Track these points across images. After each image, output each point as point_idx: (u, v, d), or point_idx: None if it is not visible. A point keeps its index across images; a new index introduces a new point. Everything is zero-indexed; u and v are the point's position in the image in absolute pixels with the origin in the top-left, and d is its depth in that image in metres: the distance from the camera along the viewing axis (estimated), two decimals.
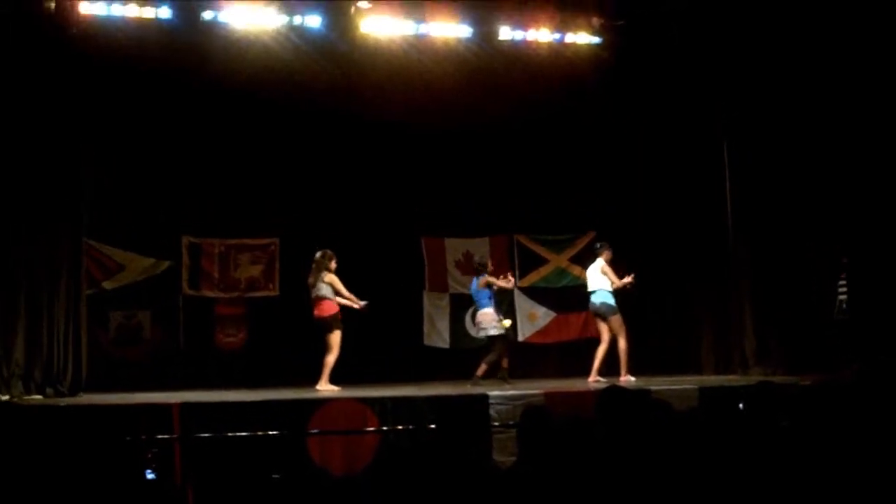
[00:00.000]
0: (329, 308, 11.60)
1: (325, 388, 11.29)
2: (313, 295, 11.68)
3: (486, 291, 12.20)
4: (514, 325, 13.77)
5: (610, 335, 11.99)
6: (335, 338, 11.55)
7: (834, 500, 4.15)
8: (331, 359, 11.51)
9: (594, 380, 11.90)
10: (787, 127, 11.89)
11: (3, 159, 10.97)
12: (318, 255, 11.81)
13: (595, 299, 12.08)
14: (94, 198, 12.11)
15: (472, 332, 12.84)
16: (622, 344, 11.93)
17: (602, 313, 12.05)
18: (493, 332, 12.09)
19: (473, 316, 12.84)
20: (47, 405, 9.94)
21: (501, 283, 12.38)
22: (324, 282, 11.61)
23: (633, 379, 11.76)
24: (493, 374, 12.03)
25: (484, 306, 12.17)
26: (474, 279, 12.45)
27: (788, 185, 11.92)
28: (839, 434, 4.78)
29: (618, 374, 11.86)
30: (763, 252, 12.25)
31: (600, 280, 12.04)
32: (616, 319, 11.97)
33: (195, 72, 12.81)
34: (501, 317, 12.24)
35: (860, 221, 11.35)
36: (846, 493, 4.20)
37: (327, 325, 11.58)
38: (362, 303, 11.68)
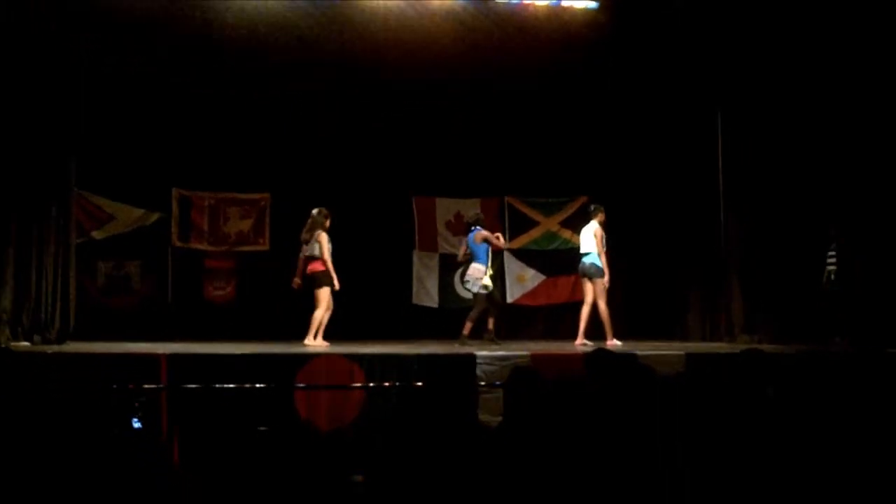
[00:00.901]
0: (320, 264, 11.58)
1: (312, 343, 11.28)
2: (307, 252, 11.65)
3: (484, 247, 12.13)
4: (499, 288, 13.78)
5: (592, 297, 12.01)
6: (324, 293, 11.51)
7: (817, 468, 4.18)
8: (319, 314, 11.47)
9: (581, 342, 11.94)
10: (781, 97, 11.88)
11: None
12: (314, 211, 11.76)
13: (586, 260, 12.06)
14: (86, 148, 12.06)
15: (459, 287, 12.73)
16: (602, 307, 11.93)
17: (590, 274, 12.02)
18: (475, 289, 12.03)
19: (463, 274, 12.80)
20: (34, 352, 9.95)
21: (494, 240, 12.32)
22: (317, 241, 11.58)
23: (618, 343, 11.79)
24: (478, 333, 12.01)
25: (480, 261, 12.07)
26: (471, 232, 12.34)
27: (780, 156, 11.93)
28: (824, 404, 4.80)
29: (604, 338, 11.89)
30: (753, 221, 12.27)
31: (592, 243, 12.03)
32: (601, 283, 11.95)
33: (191, 24, 12.76)
34: (487, 276, 12.15)
35: (849, 192, 11.38)
36: (829, 462, 4.23)
37: (317, 280, 11.54)
38: (337, 285, 11.61)
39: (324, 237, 11.57)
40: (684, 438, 4.32)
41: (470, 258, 12.16)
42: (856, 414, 4.65)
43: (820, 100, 11.52)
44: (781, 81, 11.86)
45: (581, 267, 12.17)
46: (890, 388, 5.15)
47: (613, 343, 11.75)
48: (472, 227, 12.25)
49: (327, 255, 11.52)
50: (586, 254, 12.10)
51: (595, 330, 12.15)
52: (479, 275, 11.99)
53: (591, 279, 12.05)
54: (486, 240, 12.12)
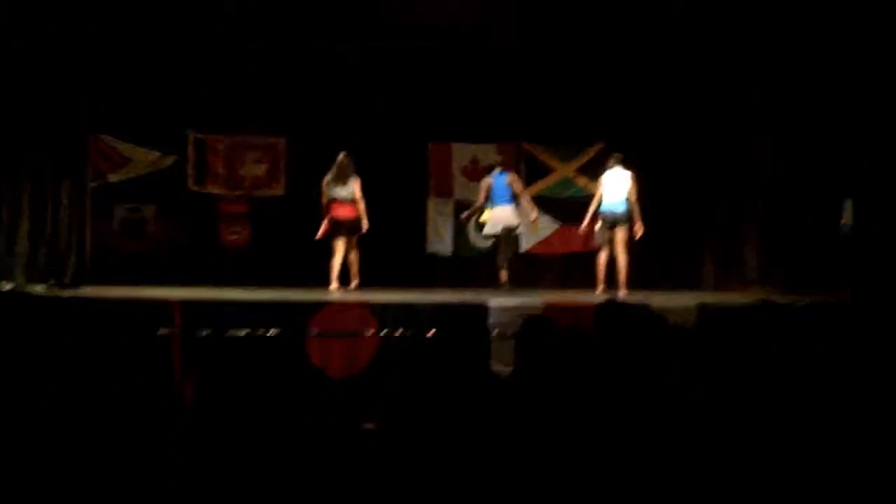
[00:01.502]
0: (354, 209, 11.67)
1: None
2: (340, 196, 11.63)
3: (510, 189, 12.09)
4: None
5: (617, 245, 11.85)
6: (355, 239, 11.68)
7: (823, 424, 4.18)
8: (354, 257, 11.73)
9: (603, 290, 11.86)
10: (801, 64, 11.73)
11: (7, 52, 10.88)
12: (342, 156, 11.80)
13: (620, 208, 11.84)
14: (101, 91, 12.04)
15: (473, 235, 12.65)
16: (627, 257, 11.84)
17: (622, 221, 11.83)
18: (498, 231, 12.02)
19: (478, 223, 12.77)
20: (49, 296, 10.02)
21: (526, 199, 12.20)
22: (354, 184, 11.67)
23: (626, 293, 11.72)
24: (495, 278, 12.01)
25: (508, 203, 12.06)
26: (505, 174, 12.29)
27: (807, 102, 11.79)
28: (832, 357, 4.80)
29: (617, 288, 11.84)
30: (772, 167, 12.19)
31: (626, 191, 11.84)
32: (630, 231, 11.83)
33: None
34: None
35: (867, 145, 11.28)
36: (834, 418, 4.23)
37: (357, 226, 11.68)
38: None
39: (358, 182, 11.60)
40: (695, 390, 4.32)
41: (485, 203, 12.13)
42: (863, 367, 4.65)
43: (850, 45, 11.37)
44: (812, 24, 11.68)
45: (615, 217, 11.92)
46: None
47: (626, 293, 11.68)
48: (501, 171, 12.21)
49: (361, 196, 11.65)
50: (621, 201, 11.87)
51: (610, 279, 12.13)
52: (507, 217, 11.98)
53: (622, 226, 11.87)
54: (513, 183, 12.04)
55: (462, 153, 14.73)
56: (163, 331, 8.29)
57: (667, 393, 4.27)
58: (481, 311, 9.15)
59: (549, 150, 14.87)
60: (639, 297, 11.11)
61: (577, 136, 14.80)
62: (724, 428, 4.14)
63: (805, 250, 11.70)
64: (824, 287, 11.05)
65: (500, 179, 12.23)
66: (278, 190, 14.23)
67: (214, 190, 14.09)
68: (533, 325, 4.91)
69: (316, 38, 13.66)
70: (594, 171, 14.02)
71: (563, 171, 14.87)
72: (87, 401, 4.53)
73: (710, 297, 11.35)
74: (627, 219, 11.80)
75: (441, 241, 14.44)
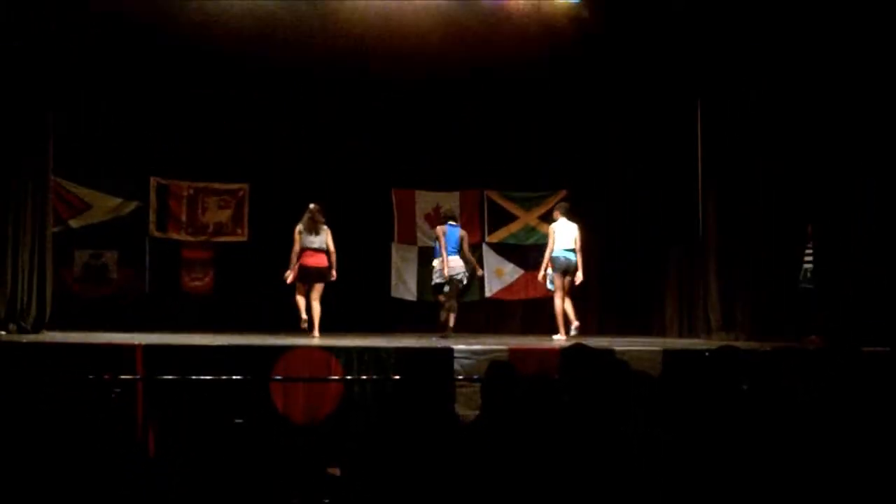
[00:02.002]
0: (325, 258, 11.77)
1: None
2: (314, 245, 11.71)
3: (459, 242, 12.31)
4: (478, 282, 13.96)
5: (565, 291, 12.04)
6: (321, 288, 11.79)
7: (791, 465, 4.20)
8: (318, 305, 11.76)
9: (564, 336, 11.95)
10: (761, 93, 11.91)
11: None
12: (313, 206, 11.84)
13: (573, 257, 12.05)
14: (63, 135, 11.98)
15: (438, 276, 12.71)
16: (569, 301, 12.03)
17: (573, 270, 12.04)
18: (460, 277, 12.22)
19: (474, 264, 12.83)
20: (9, 341, 9.90)
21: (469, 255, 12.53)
22: (326, 234, 11.78)
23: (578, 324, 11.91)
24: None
25: (455, 253, 12.24)
26: (458, 228, 12.50)
27: (758, 153, 11.95)
28: (798, 401, 4.83)
29: (581, 335, 11.88)
30: (730, 218, 12.31)
31: (574, 240, 12.06)
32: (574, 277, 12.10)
33: (170, 15, 12.62)
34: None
35: (827, 190, 11.40)
36: (802, 458, 4.26)
37: (326, 275, 11.78)
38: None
39: (330, 232, 11.79)
40: (660, 434, 4.33)
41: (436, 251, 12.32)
42: (829, 412, 4.68)
43: (799, 96, 11.55)
44: (762, 77, 11.89)
45: (569, 264, 12.05)
46: (863, 385, 5.18)
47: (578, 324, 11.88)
48: (454, 224, 12.35)
49: (332, 244, 11.79)
50: (572, 250, 12.05)
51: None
52: (461, 265, 12.18)
53: (572, 275, 12.05)
54: (463, 239, 12.40)
55: (425, 200, 14.79)
56: (125, 376, 8.21)
57: (632, 438, 4.28)
58: (446, 356, 9.20)
59: (512, 197, 14.96)
60: (603, 343, 11.15)
61: (540, 184, 14.91)
62: (689, 471, 4.15)
63: (766, 297, 11.77)
64: (786, 333, 11.14)
65: (453, 231, 12.38)
66: (241, 236, 14.19)
67: (177, 236, 14.03)
68: (498, 371, 4.91)
69: (279, 86, 13.72)
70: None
71: (526, 218, 14.95)
72: (48, 447, 4.48)
73: (674, 344, 11.40)
74: (576, 265, 12.05)
75: (405, 286, 14.45)
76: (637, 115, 14.00)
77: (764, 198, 11.97)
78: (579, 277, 12.05)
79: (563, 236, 12.09)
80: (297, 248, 11.72)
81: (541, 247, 14.16)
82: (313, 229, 11.74)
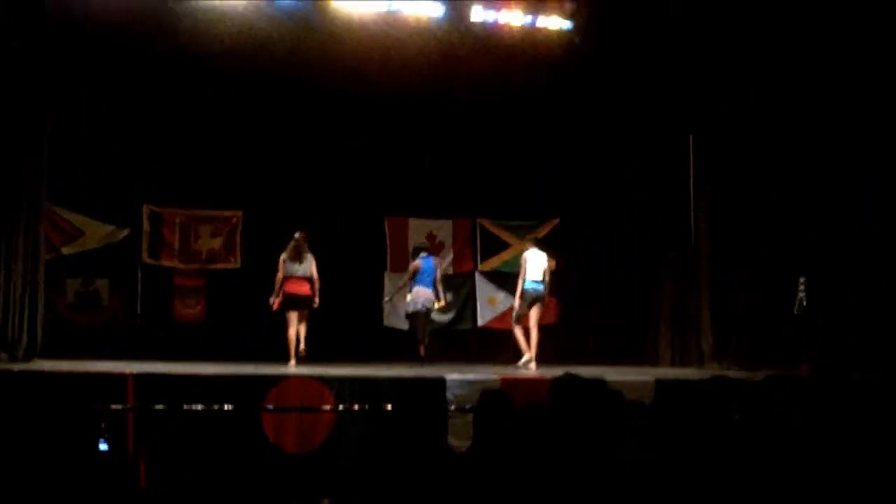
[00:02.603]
0: (309, 286, 11.96)
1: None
2: (298, 273, 11.89)
3: (434, 273, 12.54)
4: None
5: (533, 321, 12.25)
6: (307, 313, 12.00)
7: (786, 492, 4.20)
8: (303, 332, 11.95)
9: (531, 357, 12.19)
10: (752, 122, 11.97)
11: None
12: (299, 235, 12.03)
13: (542, 287, 12.27)
14: (56, 163, 11.97)
15: (409, 307, 12.81)
16: (536, 332, 12.26)
17: (541, 300, 12.29)
18: (424, 309, 12.42)
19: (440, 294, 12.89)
20: (1, 370, 9.84)
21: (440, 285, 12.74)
22: (311, 262, 11.96)
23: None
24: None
25: (429, 285, 12.45)
26: (431, 258, 12.64)
27: (752, 181, 12.00)
28: (791, 429, 4.83)
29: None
30: (723, 247, 12.34)
31: (543, 271, 12.31)
32: (542, 307, 12.37)
33: (164, 41, 12.64)
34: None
35: (820, 220, 11.43)
36: (798, 485, 4.25)
37: (310, 302, 11.96)
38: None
39: (314, 261, 11.98)
40: (653, 463, 4.33)
41: (412, 281, 12.48)
42: (822, 439, 4.68)
43: (790, 126, 11.60)
44: (755, 105, 11.94)
45: (537, 295, 12.28)
46: (855, 413, 5.18)
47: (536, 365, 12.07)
48: (428, 255, 12.56)
49: (315, 271, 12.00)
50: (541, 281, 12.29)
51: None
52: (430, 296, 12.42)
53: (539, 304, 12.26)
54: (437, 268, 12.70)
55: (418, 228, 14.79)
56: (116, 406, 8.18)
57: (625, 466, 4.27)
58: (439, 385, 9.17)
59: (504, 225, 14.98)
60: (595, 373, 11.13)
61: (533, 212, 14.94)
62: (681, 499, 4.15)
63: (759, 327, 11.77)
64: (779, 363, 11.12)
65: (427, 262, 12.51)
66: (234, 263, 14.16)
67: (170, 263, 14.00)
68: (490, 400, 4.90)
69: (272, 114, 13.74)
70: (549, 247, 14.19)
71: (519, 246, 14.92)
72: (40, 475, 4.46)
73: (666, 373, 11.39)
74: (544, 296, 12.30)
75: (398, 315, 14.41)
76: (630, 142, 14.06)
77: (757, 227, 11.99)
78: (548, 303, 12.54)
79: (533, 267, 12.36)
80: (280, 275, 11.93)
81: None
82: (297, 258, 11.94)
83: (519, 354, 12.22)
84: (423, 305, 12.40)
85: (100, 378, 8.82)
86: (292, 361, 11.74)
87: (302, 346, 11.85)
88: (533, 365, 12.01)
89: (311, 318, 12.08)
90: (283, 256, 11.99)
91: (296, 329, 11.88)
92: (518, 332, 12.34)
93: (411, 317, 12.53)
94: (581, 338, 14.21)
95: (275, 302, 11.92)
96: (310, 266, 11.95)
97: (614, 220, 14.47)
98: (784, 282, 11.60)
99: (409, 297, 12.54)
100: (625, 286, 14.29)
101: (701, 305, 12.59)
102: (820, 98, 11.23)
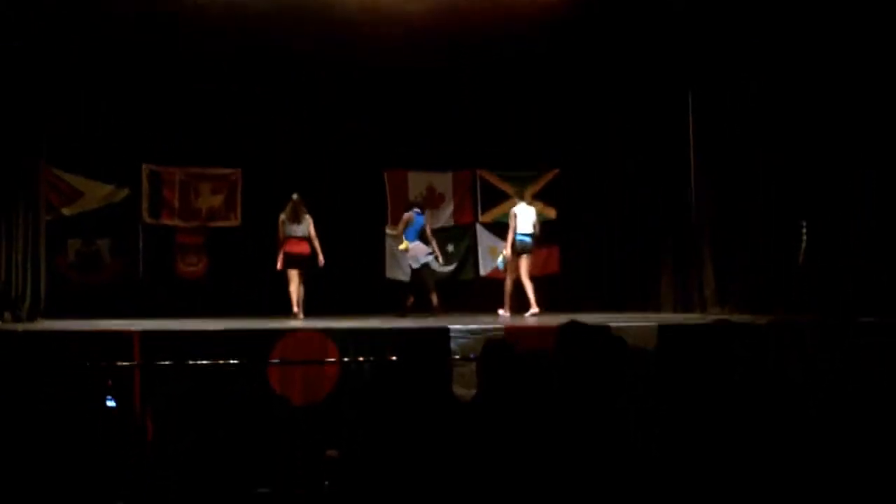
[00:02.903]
0: (308, 245, 12.20)
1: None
2: (297, 233, 12.12)
3: (425, 229, 12.82)
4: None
5: (523, 271, 12.49)
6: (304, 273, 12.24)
7: (789, 439, 4.22)
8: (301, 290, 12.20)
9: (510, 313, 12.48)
10: (752, 72, 11.89)
11: None
12: (296, 196, 12.21)
13: (529, 239, 12.53)
14: (54, 124, 11.95)
15: (412, 262, 12.92)
16: (530, 283, 12.49)
17: (529, 251, 12.56)
18: (424, 263, 12.61)
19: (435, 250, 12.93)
20: (4, 330, 9.89)
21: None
22: (309, 222, 12.20)
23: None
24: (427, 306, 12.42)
25: (414, 240, 12.69)
26: (423, 215, 12.88)
27: (752, 129, 11.94)
28: (796, 373, 4.85)
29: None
30: (725, 194, 12.31)
31: (532, 224, 12.57)
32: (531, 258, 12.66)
33: (161, 4, 12.54)
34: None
35: (823, 174, 11.36)
36: (801, 433, 4.27)
37: (311, 262, 12.20)
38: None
39: (311, 221, 12.23)
40: (657, 409, 4.34)
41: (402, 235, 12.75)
42: (827, 383, 4.70)
43: (791, 76, 11.52)
44: (752, 58, 11.86)
45: (525, 246, 12.52)
46: (862, 356, 5.21)
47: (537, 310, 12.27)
48: (420, 212, 12.77)
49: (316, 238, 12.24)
50: (530, 234, 12.52)
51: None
52: (425, 249, 12.69)
53: (527, 255, 12.52)
54: (427, 224, 12.95)
55: (418, 181, 14.78)
56: (122, 363, 8.21)
57: (629, 412, 4.29)
58: (442, 335, 9.20)
59: (505, 176, 14.96)
60: (599, 320, 11.16)
61: (533, 162, 14.91)
62: (685, 447, 4.17)
63: (761, 271, 11.76)
64: (782, 307, 11.13)
65: (419, 219, 12.75)
66: (234, 221, 14.17)
67: (170, 222, 14.00)
68: (494, 349, 4.91)
69: (270, 72, 13.66)
70: (550, 196, 14.21)
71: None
72: (46, 435, 4.48)
73: (669, 319, 11.42)
74: (532, 248, 12.53)
75: (399, 266, 14.43)
76: (632, 97, 14.00)
77: (758, 172, 11.95)
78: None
79: (523, 220, 12.56)
80: (280, 235, 12.15)
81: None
82: (296, 219, 12.14)
83: (525, 306, 12.27)
84: (426, 258, 12.55)
85: (105, 336, 8.86)
86: (297, 311, 11.95)
87: (300, 312, 12.03)
88: (535, 309, 12.25)
89: (310, 277, 12.24)
90: (281, 217, 12.17)
91: (297, 285, 12.06)
92: (508, 284, 12.60)
93: (416, 272, 12.59)
94: (584, 286, 14.23)
95: (279, 262, 12.12)
96: (308, 226, 12.15)
97: (616, 172, 14.47)
98: (786, 225, 11.57)
99: (409, 253, 12.67)
100: (627, 232, 14.28)
101: (703, 250, 12.58)
102: (824, 83, 11.14)
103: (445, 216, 14.79)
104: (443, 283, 12.90)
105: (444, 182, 14.75)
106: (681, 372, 4.73)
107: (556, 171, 14.70)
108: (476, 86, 14.17)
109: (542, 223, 13.27)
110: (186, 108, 13.68)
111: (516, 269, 12.51)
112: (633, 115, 14.06)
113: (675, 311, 13.11)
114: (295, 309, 11.96)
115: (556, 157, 14.84)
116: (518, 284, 12.50)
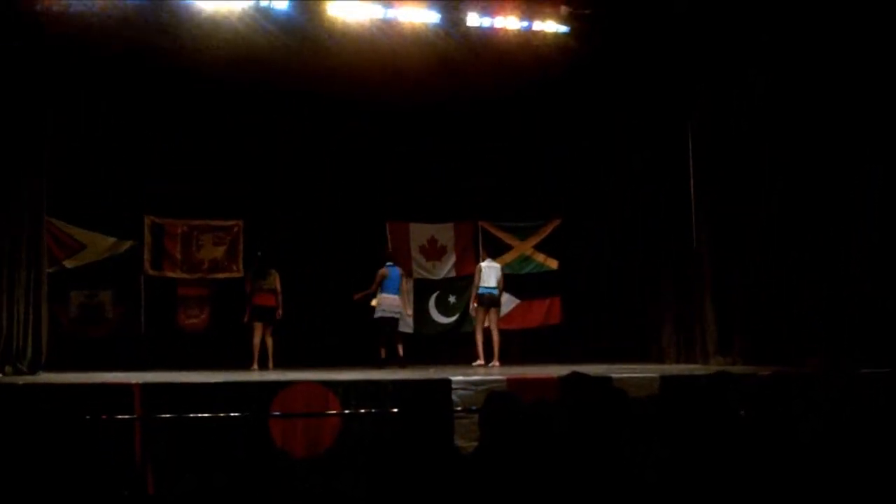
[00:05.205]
0: (274, 298, 12.74)
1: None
2: (265, 287, 12.66)
3: (399, 282, 13.15)
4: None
5: (492, 324, 13.02)
6: (272, 326, 12.76)
7: (792, 487, 4.20)
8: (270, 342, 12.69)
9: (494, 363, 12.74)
10: (751, 119, 11.95)
11: None
12: (262, 254, 12.88)
13: (496, 293, 13.01)
14: (57, 176, 12.00)
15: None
16: (496, 333, 13.00)
17: (496, 304, 13.08)
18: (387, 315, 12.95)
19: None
20: (5, 383, 9.85)
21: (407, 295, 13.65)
22: (276, 277, 12.72)
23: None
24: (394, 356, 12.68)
25: (395, 292, 13.04)
26: (397, 267, 13.23)
27: (752, 177, 11.97)
28: (797, 425, 4.82)
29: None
30: (725, 243, 12.31)
31: (496, 279, 13.04)
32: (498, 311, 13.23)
33: (161, 53, 12.61)
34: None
35: (827, 212, 11.37)
36: (803, 482, 4.25)
37: (274, 314, 12.70)
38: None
39: (277, 275, 12.76)
40: (658, 460, 4.33)
41: (376, 290, 12.95)
42: (829, 434, 4.68)
43: (791, 122, 11.57)
44: (753, 102, 11.92)
45: (492, 298, 13.01)
46: (863, 407, 5.18)
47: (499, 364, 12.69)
48: (394, 266, 13.14)
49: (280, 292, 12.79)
50: (495, 287, 13.00)
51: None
52: (396, 303, 13.05)
53: (495, 308, 13.03)
54: (403, 277, 13.36)
55: (420, 232, 14.81)
56: (123, 416, 8.17)
57: (631, 462, 4.27)
58: (444, 387, 9.17)
59: (506, 227, 15.00)
60: (600, 371, 11.14)
61: (534, 213, 14.96)
62: (689, 496, 4.15)
63: (764, 322, 11.73)
64: (785, 358, 11.08)
65: (394, 271, 13.03)
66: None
67: (172, 273, 14.01)
68: (496, 401, 4.90)
69: (271, 123, 13.76)
70: (552, 247, 14.24)
71: (521, 248, 15.00)
72: (48, 488, 4.46)
73: (671, 370, 11.38)
74: (498, 301, 13.10)
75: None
76: (628, 143, 14.06)
77: (759, 221, 11.96)
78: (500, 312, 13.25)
79: (487, 276, 13.02)
80: (248, 289, 12.78)
81: (537, 275, 14.43)
82: (261, 274, 12.69)
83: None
84: (390, 312, 12.89)
85: (106, 389, 8.81)
86: (255, 366, 12.29)
87: (270, 362, 12.48)
88: (496, 363, 12.73)
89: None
90: (249, 273, 12.94)
91: (260, 337, 12.52)
92: (478, 336, 13.04)
93: (378, 322, 12.91)
94: (585, 337, 14.22)
95: (246, 314, 12.65)
96: (274, 280, 12.65)
97: (616, 218, 14.48)
98: (789, 275, 11.56)
99: (375, 302, 12.94)
100: (628, 283, 14.29)
101: (705, 302, 12.57)
102: (826, 90, 11.19)
103: (447, 268, 14.80)
104: (445, 335, 12.88)
105: (445, 233, 14.79)
106: (683, 423, 4.72)
107: (558, 221, 14.73)
108: (476, 134, 14.30)
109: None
110: (188, 160, 13.75)
111: (483, 321, 13.02)
112: (632, 163, 14.11)
113: (678, 361, 13.08)
114: (255, 365, 12.30)
115: (557, 206, 14.89)
116: (487, 335, 12.93)
